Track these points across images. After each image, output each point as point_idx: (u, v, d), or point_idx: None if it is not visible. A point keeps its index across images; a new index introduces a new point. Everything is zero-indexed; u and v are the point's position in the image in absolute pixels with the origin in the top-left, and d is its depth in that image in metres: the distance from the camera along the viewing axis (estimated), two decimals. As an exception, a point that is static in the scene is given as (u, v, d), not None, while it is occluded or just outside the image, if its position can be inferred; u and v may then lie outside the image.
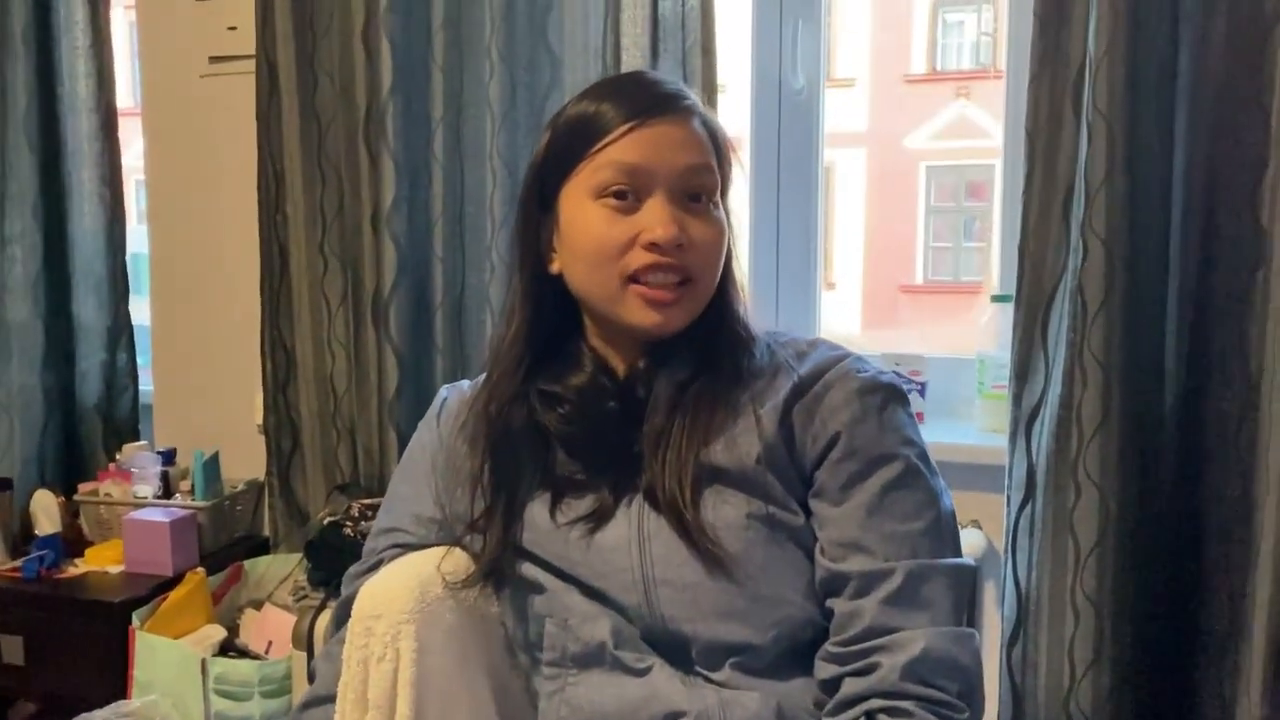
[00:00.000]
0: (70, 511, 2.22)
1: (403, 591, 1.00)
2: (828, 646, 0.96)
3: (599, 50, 1.83)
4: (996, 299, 1.87)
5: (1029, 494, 1.61)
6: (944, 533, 0.98)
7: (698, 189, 0.99)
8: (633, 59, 1.79)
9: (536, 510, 1.04)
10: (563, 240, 1.01)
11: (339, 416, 2.11)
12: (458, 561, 1.06)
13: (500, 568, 1.04)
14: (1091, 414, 1.53)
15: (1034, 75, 1.57)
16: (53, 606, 1.98)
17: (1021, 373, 1.63)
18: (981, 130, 10.25)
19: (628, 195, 0.97)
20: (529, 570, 1.03)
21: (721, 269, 1.02)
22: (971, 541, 1.76)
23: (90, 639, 1.95)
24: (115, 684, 1.90)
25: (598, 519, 1.00)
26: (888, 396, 1.00)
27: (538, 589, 1.03)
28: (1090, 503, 1.53)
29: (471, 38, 1.93)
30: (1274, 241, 1.48)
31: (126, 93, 2.39)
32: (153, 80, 2.29)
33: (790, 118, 1.97)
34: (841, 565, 0.96)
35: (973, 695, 0.93)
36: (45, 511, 2.19)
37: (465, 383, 1.18)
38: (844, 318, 9.49)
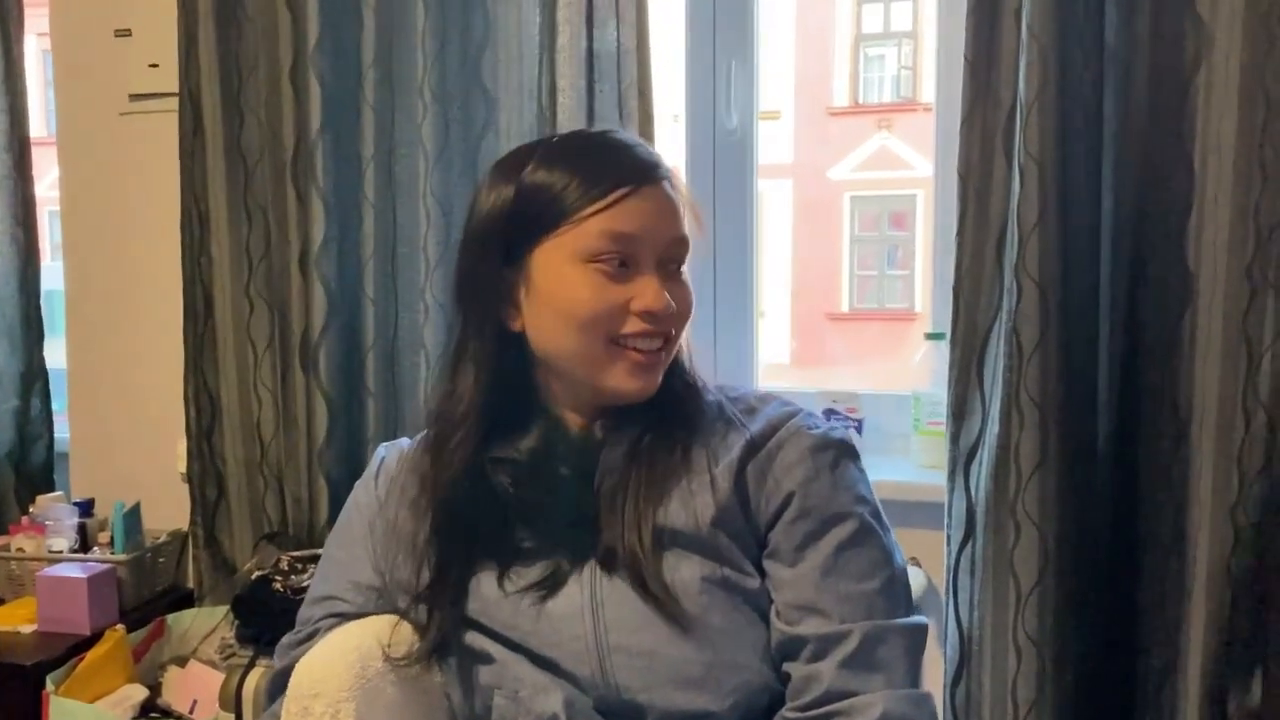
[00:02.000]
0: None
1: (341, 667, 0.96)
2: (784, 712, 0.95)
3: (534, 90, 1.83)
4: (931, 337, 1.90)
5: (969, 533, 1.63)
6: (898, 591, 0.98)
7: (679, 257, 1.01)
8: (568, 99, 1.79)
9: (484, 580, 1.01)
10: (535, 300, 0.99)
11: (266, 464, 2.06)
12: (399, 632, 1.03)
13: (446, 640, 1.01)
14: (1029, 453, 1.55)
15: (965, 118, 1.60)
16: (-39, 669, 1.88)
17: (958, 412, 1.65)
18: (903, 161, 10.50)
19: (622, 263, 0.97)
20: (476, 640, 1.00)
21: None
22: (911, 579, 1.77)
23: (1, 704, 1.85)
24: None
25: (549, 586, 0.98)
26: (840, 453, 1.00)
27: (485, 659, 1.00)
28: (1030, 542, 1.55)
29: (403, 76, 1.91)
30: (1200, 282, 1.52)
31: (41, 123, 2.31)
32: (69, 117, 2.23)
33: (725, 154, 1.98)
34: (798, 629, 0.95)
35: None
36: (-46, 567, 2.10)
37: (405, 441, 1.15)
38: (773, 346, 9.60)
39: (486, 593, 1.00)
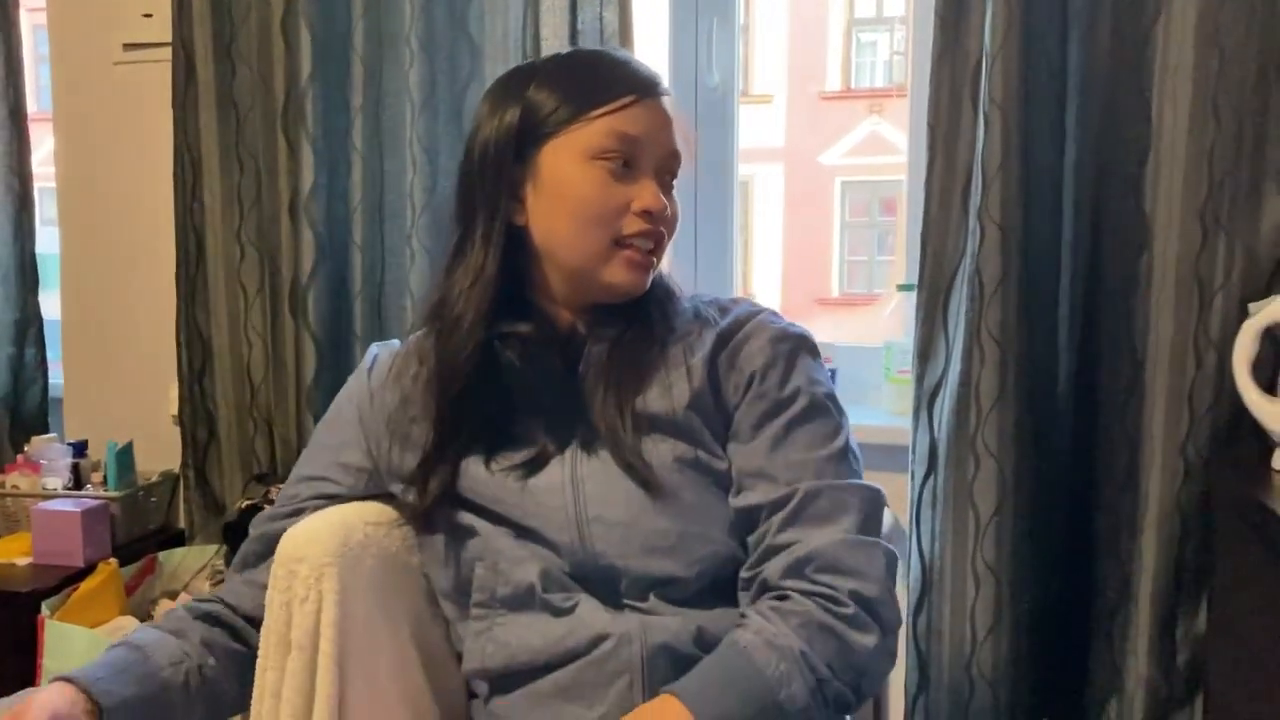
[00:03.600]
0: None
1: (325, 536, 1.02)
2: (741, 574, 1.02)
3: (519, 40, 1.88)
4: (902, 288, 1.95)
5: (931, 467, 1.69)
6: (847, 458, 1.04)
7: (672, 170, 1.08)
8: (552, 49, 1.83)
9: (472, 462, 1.07)
10: (543, 195, 1.04)
11: (256, 406, 2.11)
12: (380, 513, 1.09)
13: (434, 512, 1.07)
14: (989, 390, 1.61)
15: (934, 71, 1.65)
16: (-42, 597, 1.92)
17: (924, 354, 1.70)
18: (894, 147, 10.52)
19: (625, 163, 1.03)
20: (462, 516, 1.06)
21: None
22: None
23: None
24: (24, 674, 1.87)
25: (533, 466, 1.05)
26: (797, 345, 1.07)
27: (469, 534, 1.06)
28: (989, 474, 1.62)
29: (391, 27, 1.96)
30: (1157, 226, 1.58)
31: (31, 98, 2.35)
32: (64, 66, 2.27)
33: (707, 118, 2.03)
34: (750, 498, 1.02)
35: (870, 601, 0.96)
36: (-50, 505, 2.14)
37: (395, 341, 1.21)
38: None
39: (474, 472, 1.07)
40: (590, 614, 1.02)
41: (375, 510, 1.10)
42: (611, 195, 1.03)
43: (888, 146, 10.54)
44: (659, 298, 1.09)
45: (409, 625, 1.08)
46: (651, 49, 2.02)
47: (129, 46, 2.20)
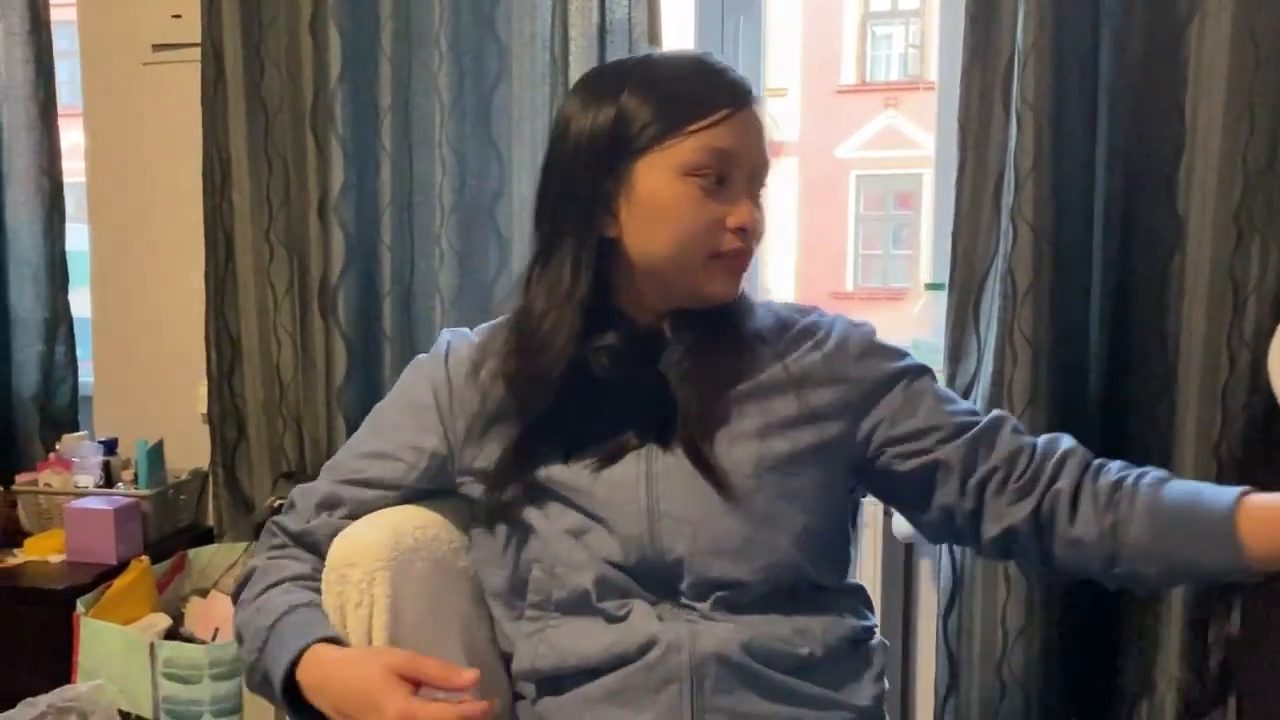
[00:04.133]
0: (7, 502, 2.19)
1: (376, 541, 1.03)
2: (1010, 485, 1.07)
3: (546, 41, 1.88)
4: (930, 287, 1.95)
5: (963, 469, 1.69)
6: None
7: (763, 179, 1.08)
8: (580, 49, 1.84)
9: (547, 453, 1.07)
10: (637, 210, 1.04)
11: (285, 405, 2.12)
12: (427, 517, 1.10)
13: (506, 510, 1.07)
14: (1022, 390, 1.61)
15: (965, 69, 1.66)
16: (-7, 595, 1.95)
17: (955, 354, 1.71)
18: (909, 140, 10.51)
19: (718, 179, 1.03)
20: (527, 515, 1.06)
21: None
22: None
23: (31, 626, 1.93)
24: (58, 671, 1.89)
25: (610, 458, 1.06)
26: (883, 344, 1.14)
27: (530, 534, 1.06)
28: (1021, 475, 1.61)
29: (420, 27, 1.96)
30: (1190, 227, 1.58)
31: (63, 90, 2.36)
32: (94, 67, 2.29)
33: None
34: (966, 440, 1.08)
35: None
36: (-18, 502, 2.16)
37: (466, 330, 1.19)
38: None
39: (551, 464, 1.07)
40: (642, 620, 1.03)
41: (423, 514, 1.11)
42: (707, 213, 1.03)
43: (903, 140, 10.51)
44: (738, 307, 1.10)
45: (457, 627, 1.09)
46: (677, 47, 2.03)
47: (158, 47, 2.21)
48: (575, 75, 1.85)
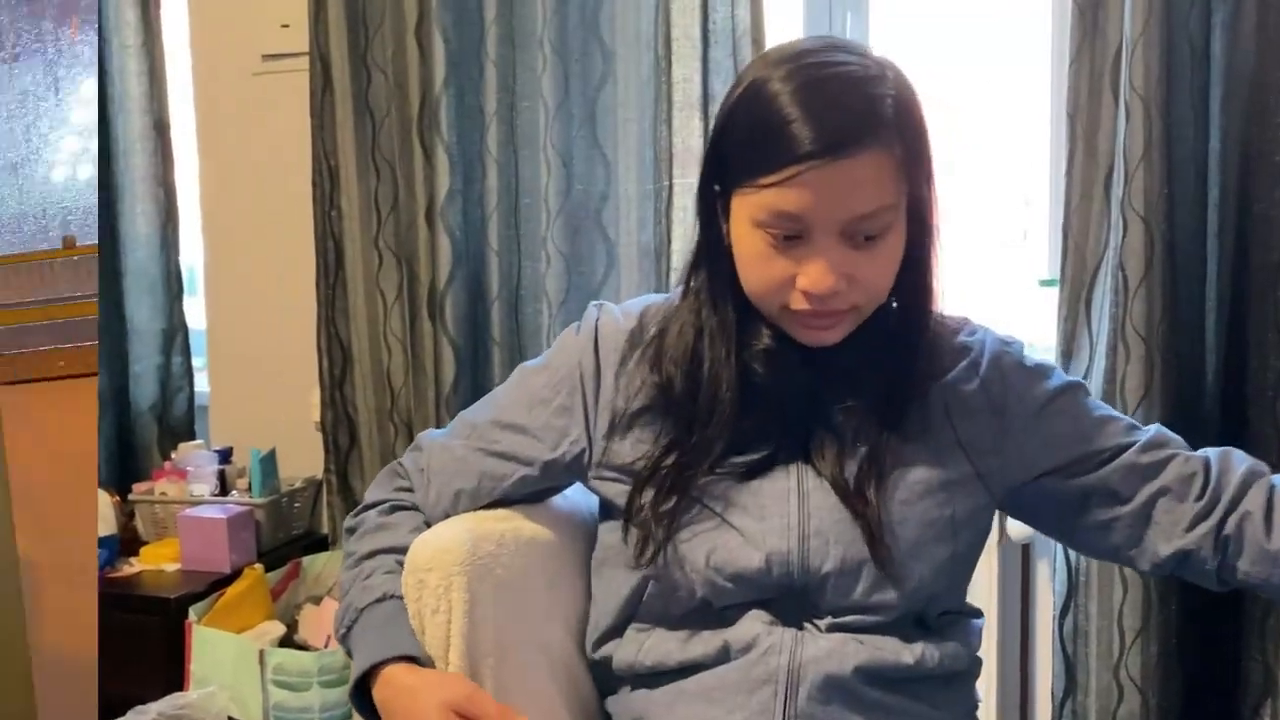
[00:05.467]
0: (125, 512, 2.50)
1: (454, 546, 1.13)
2: (1187, 506, 1.15)
3: (651, 41, 2.13)
4: (1044, 284, 2.14)
5: (1077, 467, 1.88)
6: None
7: (867, 230, 1.05)
8: (683, 49, 2.09)
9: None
10: (732, 235, 1.10)
11: (396, 412, 2.41)
12: (510, 522, 1.20)
13: (655, 516, 1.14)
14: (1135, 387, 1.80)
15: (1073, 58, 1.85)
16: (108, 603, 2.18)
17: (1067, 350, 1.90)
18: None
19: (789, 235, 1.05)
20: (669, 519, 1.13)
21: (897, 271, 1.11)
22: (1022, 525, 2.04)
23: (146, 634, 2.19)
24: (171, 679, 2.14)
25: (758, 468, 1.14)
26: (1054, 369, 1.23)
27: (653, 549, 1.13)
28: (1135, 473, 1.80)
29: (524, 30, 2.22)
30: (1308, 216, 1.74)
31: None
32: (205, 78, 2.62)
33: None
34: (1127, 460, 1.17)
35: None
36: (101, 512, 2.42)
37: (615, 308, 1.25)
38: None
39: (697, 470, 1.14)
40: (748, 624, 1.12)
41: (506, 517, 1.20)
42: (774, 268, 1.06)
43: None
44: (910, 326, 1.15)
45: (537, 635, 1.19)
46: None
47: (267, 57, 2.53)
48: (680, 76, 2.09)
